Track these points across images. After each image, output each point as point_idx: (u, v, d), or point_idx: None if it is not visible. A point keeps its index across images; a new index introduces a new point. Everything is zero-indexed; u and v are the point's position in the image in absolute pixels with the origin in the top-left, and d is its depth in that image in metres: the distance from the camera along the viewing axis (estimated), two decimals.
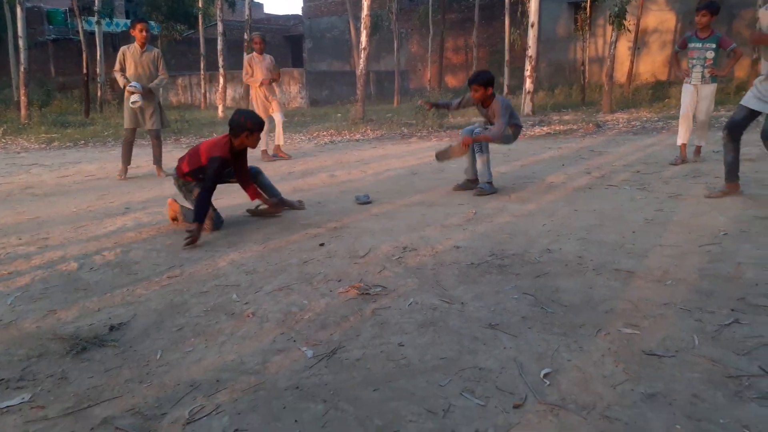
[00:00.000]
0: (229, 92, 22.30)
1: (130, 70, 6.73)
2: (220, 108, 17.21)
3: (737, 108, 4.49)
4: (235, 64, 25.50)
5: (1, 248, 3.84)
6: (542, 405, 1.81)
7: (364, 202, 5.00)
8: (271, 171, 7.18)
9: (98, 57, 20.54)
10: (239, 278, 3.15)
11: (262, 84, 8.12)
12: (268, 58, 8.29)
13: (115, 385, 2.05)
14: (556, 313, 2.50)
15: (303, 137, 11.76)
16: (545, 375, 1.98)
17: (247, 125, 4.11)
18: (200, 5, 21.36)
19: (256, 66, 8.16)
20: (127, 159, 6.95)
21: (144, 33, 6.70)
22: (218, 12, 17.90)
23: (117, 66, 6.76)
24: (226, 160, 4.09)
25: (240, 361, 2.20)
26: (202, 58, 21.98)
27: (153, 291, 2.99)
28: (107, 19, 23.00)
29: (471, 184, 5.40)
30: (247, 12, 18.11)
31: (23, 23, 15.85)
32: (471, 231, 3.90)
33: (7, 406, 1.93)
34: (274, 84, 8.30)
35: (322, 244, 3.75)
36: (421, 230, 3.98)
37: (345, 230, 4.10)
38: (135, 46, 6.76)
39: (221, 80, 17.72)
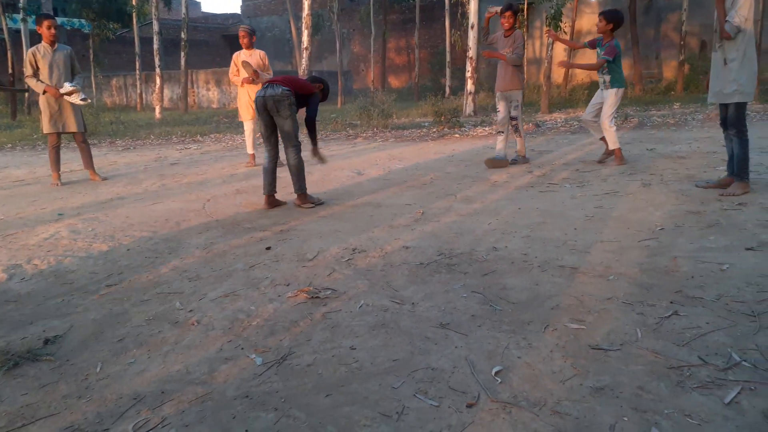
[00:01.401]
0: (167, 93, 21.71)
1: (43, 73, 6.24)
2: (158, 109, 16.71)
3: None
4: (171, 64, 24.87)
5: None
6: (495, 403, 1.82)
7: (314, 203, 4.94)
8: (214, 173, 7.01)
9: (24, 56, 19.59)
10: (182, 285, 3.05)
11: (243, 82, 7.25)
12: (257, 53, 7.38)
13: (51, 402, 1.94)
14: (504, 311, 2.53)
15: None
16: (496, 373, 2.00)
17: (326, 84, 5.08)
18: (134, 3, 20.66)
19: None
20: (56, 165, 6.57)
21: (53, 30, 6.24)
22: (153, 10, 17.37)
23: (28, 70, 6.22)
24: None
25: (186, 371, 2.12)
26: (137, 57, 21.26)
27: (91, 301, 2.85)
28: (33, 17, 21.92)
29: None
30: (183, 10, 17.65)
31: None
32: (419, 231, 3.91)
33: None
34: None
35: (268, 248, 3.68)
36: (369, 231, 3.97)
37: (292, 233, 4.04)
38: (44, 46, 6.27)
39: (158, 80, 17.20)
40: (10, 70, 18.27)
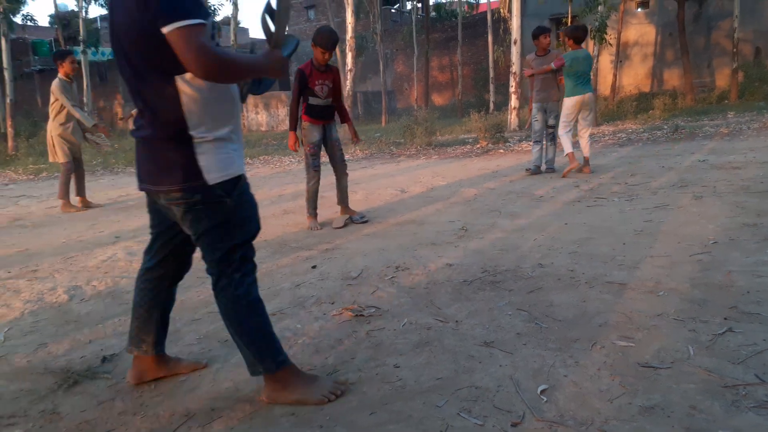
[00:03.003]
0: None
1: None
2: None
3: None
4: None
5: None
6: (540, 422, 1.80)
7: (360, 221, 5.01)
8: (261, 195, 7.19)
9: (84, 86, 20.59)
10: None
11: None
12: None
13: (108, 419, 2.02)
14: (550, 328, 2.50)
15: (292, 159, 11.78)
16: (542, 391, 1.98)
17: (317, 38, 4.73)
18: None
19: None
20: (68, 191, 6.82)
21: (75, 65, 6.60)
22: None
23: (69, 98, 6.47)
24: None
25: (235, 388, 2.18)
26: None
27: None
28: (93, 49, 23.10)
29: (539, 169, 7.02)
30: (232, 37, 18.24)
31: (8, 55, 15.89)
32: (463, 248, 3.90)
33: None
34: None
35: (314, 267, 3.74)
36: (413, 249, 3.99)
37: (337, 251, 4.09)
38: (65, 79, 6.51)
39: None
40: None
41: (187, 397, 2.14)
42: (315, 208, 5.06)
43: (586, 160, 6.84)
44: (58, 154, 6.63)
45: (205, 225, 1.92)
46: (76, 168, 6.83)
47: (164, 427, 1.94)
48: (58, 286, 3.61)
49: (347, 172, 5.20)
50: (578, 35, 6.59)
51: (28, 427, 2.00)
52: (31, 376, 2.40)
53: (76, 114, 6.52)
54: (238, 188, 1.95)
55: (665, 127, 11.94)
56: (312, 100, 4.82)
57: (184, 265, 2.25)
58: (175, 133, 1.82)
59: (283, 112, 23.78)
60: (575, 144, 7.27)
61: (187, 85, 1.78)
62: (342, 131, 6.92)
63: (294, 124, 4.85)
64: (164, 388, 2.22)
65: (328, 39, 4.63)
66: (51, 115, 6.57)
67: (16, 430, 1.98)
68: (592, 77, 7.47)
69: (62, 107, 6.51)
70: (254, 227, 2.07)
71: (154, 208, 2.10)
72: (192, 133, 1.82)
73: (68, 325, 2.98)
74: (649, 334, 2.36)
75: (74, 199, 6.89)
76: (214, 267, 1.99)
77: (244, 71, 1.80)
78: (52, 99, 6.57)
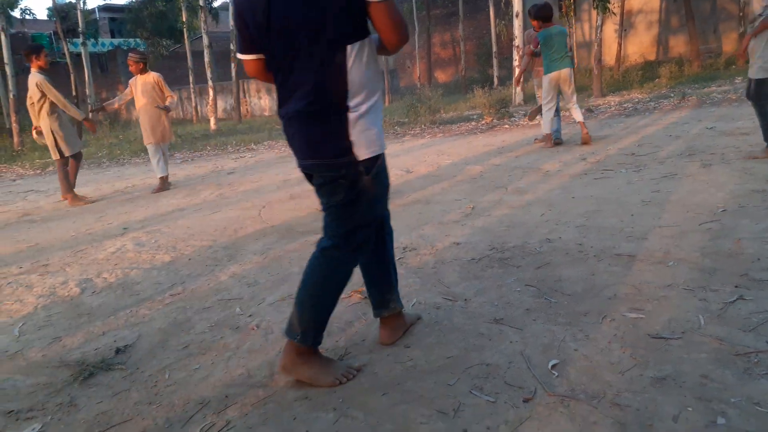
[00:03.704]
0: (220, 104, 22.33)
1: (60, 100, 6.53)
2: (212, 120, 17.21)
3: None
4: (223, 75, 25.56)
5: (2, 278, 3.84)
6: (552, 397, 1.80)
7: None
8: (267, 180, 7.19)
9: (86, 78, 20.57)
10: (241, 291, 3.15)
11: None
12: (152, 76, 7.16)
13: (124, 409, 2.05)
14: (559, 303, 2.49)
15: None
16: (553, 366, 1.98)
17: None
18: (184, 19, 21.35)
19: None
20: (69, 183, 6.82)
21: (48, 58, 6.60)
22: (202, 24, 17.90)
23: (58, 92, 6.46)
24: None
25: (247, 374, 2.20)
26: (190, 71, 21.98)
27: (156, 310, 2.99)
28: (92, 40, 23.02)
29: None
30: (231, 22, 18.10)
31: (8, 50, 15.88)
32: (470, 226, 3.89)
33: None
34: None
35: None
36: (419, 229, 3.98)
37: None
38: (43, 74, 6.48)
39: (211, 93, 17.73)
40: (74, 93, 19.23)
41: (201, 385, 2.16)
42: None
43: (582, 125, 6.86)
44: (64, 148, 6.60)
45: (338, 199, 1.96)
46: (72, 161, 6.79)
47: (179, 415, 1.97)
48: (70, 280, 3.64)
49: None
50: (543, 14, 6.65)
51: (46, 420, 2.03)
52: (47, 370, 2.43)
53: (68, 107, 6.45)
54: (377, 167, 1.96)
55: (672, 95, 11.80)
56: None
57: None
58: (334, 104, 1.86)
59: None
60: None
61: (352, 55, 1.83)
62: None
63: None
64: (177, 377, 2.24)
65: None
66: (39, 113, 6.44)
67: (35, 424, 2.01)
68: (571, 53, 7.59)
69: (50, 102, 6.41)
70: (382, 209, 2.11)
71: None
72: (349, 103, 1.86)
73: (81, 317, 3.01)
74: (659, 305, 2.36)
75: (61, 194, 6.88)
76: (335, 239, 2.02)
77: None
78: (36, 95, 6.40)
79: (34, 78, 6.36)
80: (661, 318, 2.24)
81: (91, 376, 2.32)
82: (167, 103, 7.12)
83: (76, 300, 3.29)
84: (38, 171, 11.25)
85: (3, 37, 16.66)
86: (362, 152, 1.89)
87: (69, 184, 6.75)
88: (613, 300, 2.47)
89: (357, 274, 3.14)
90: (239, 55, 2.06)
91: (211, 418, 1.92)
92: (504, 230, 3.68)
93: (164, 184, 7.23)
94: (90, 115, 6.96)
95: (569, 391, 1.82)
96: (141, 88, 7.07)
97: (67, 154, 6.64)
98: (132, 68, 7.07)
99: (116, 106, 7.29)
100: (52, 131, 6.51)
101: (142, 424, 1.94)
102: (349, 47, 1.82)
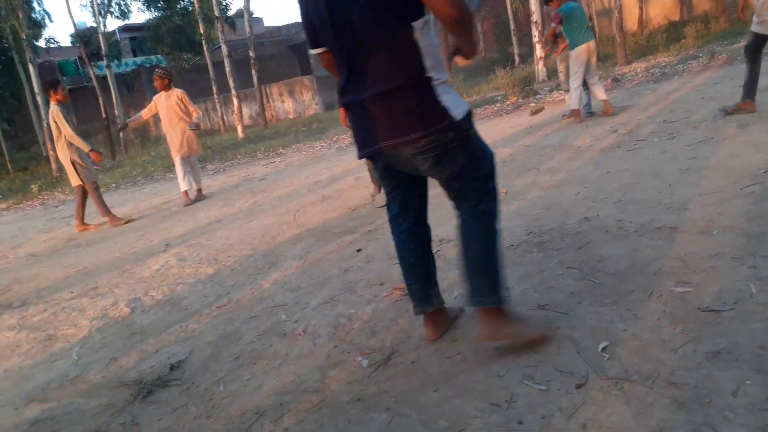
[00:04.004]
0: (245, 111, 22.56)
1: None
2: (239, 128, 17.42)
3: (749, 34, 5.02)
4: (245, 82, 25.82)
5: (56, 304, 3.98)
6: (605, 380, 1.79)
7: None
8: (298, 183, 7.25)
9: (114, 99, 21.04)
10: (285, 297, 3.20)
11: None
12: (175, 93, 7.38)
13: (184, 424, 2.11)
14: (603, 283, 2.46)
15: (323, 143, 11.82)
16: (603, 349, 1.96)
17: None
18: (201, 31, 21.62)
19: None
20: (83, 212, 7.02)
21: (66, 90, 6.76)
22: (220, 35, 18.09)
23: (70, 124, 6.58)
24: None
25: (299, 381, 2.24)
26: (212, 82, 22.26)
27: (205, 323, 3.06)
28: (116, 61, 23.52)
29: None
30: (247, 29, 18.26)
31: (38, 79, 16.32)
32: (504, 211, 3.86)
33: None
34: None
35: (359, 250, 3.77)
36: (453, 219, 3.96)
37: (379, 232, 4.11)
38: (61, 106, 6.64)
39: (235, 101, 17.92)
40: (103, 114, 19.70)
41: (255, 394, 2.21)
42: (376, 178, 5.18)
43: (605, 102, 6.75)
44: (83, 177, 6.79)
45: (460, 161, 2.01)
46: (84, 191, 6.96)
47: (237, 426, 2.02)
48: (119, 300, 3.76)
49: None
50: None
51: None
52: (107, 391, 2.51)
53: (76, 139, 6.60)
54: (472, 120, 2.04)
55: (700, 55, 11.46)
56: None
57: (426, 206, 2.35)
58: (418, 78, 1.92)
59: (307, 97, 23.78)
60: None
61: (419, 31, 1.90)
62: None
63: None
64: (232, 388, 2.30)
65: None
66: (58, 143, 6.70)
67: None
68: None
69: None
70: (491, 154, 2.16)
71: (388, 170, 2.16)
72: (430, 74, 1.92)
73: (134, 337, 3.10)
74: (707, 277, 2.31)
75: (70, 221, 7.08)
76: (473, 196, 2.08)
77: (469, 18, 1.90)
78: (53, 125, 6.64)
79: (51, 111, 6.63)
80: (710, 290, 2.20)
81: (149, 394, 2.39)
82: (194, 119, 7.31)
83: (127, 320, 3.39)
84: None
85: (31, 67, 17.14)
86: (458, 112, 1.95)
87: (104, 206, 6.97)
88: (659, 275, 2.43)
89: (396, 271, 3.16)
90: (311, 51, 2.15)
91: (269, 427, 1.96)
92: (540, 213, 3.65)
93: (199, 195, 7.49)
94: (119, 133, 7.10)
95: (622, 373, 1.81)
96: (166, 104, 7.28)
97: (86, 182, 6.83)
98: (157, 84, 7.30)
99: (138, 122, 7.56)
100: (72, 161, 6.74)
101: None
102: (414, 24, 1.88)
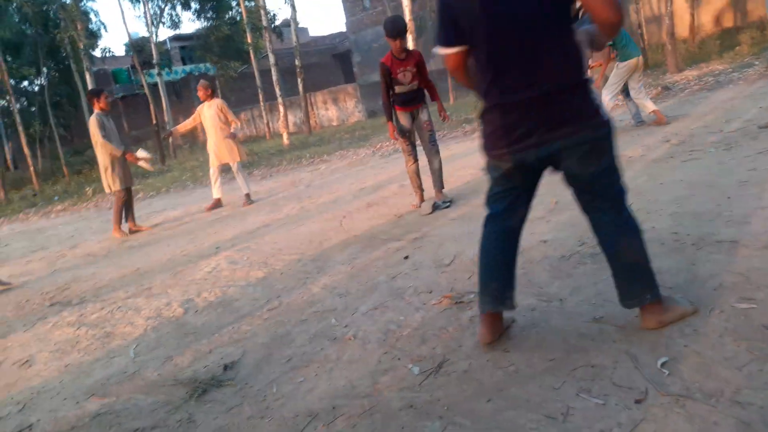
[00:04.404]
0: (290, 118, 22.88)
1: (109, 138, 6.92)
2: (285, 135, 17.69)
3: None
4: (290, 90, 26.22)
5: (113, 303, 4.12)
6: (666, 397, 1.75)
7: (443, 206, 5.00)
8: (343, 190, 7.32)
9: (164, 105, 21.67)
10: (334, 302, 3.23)
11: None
12: (216, 103, 7.77)
13: (239, 424, 2.16)
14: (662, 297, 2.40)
15: (367, 151, 11.90)
16: (663, 364, 1.92)
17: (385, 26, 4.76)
18: (249, 40, 22.10)
19: None
20: (122, 217, 7.20)
21: (109, 99, 7.03)
22: (267, 44, 18.46)
23: (102, 132, 6.78)
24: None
25: (351, 385, 2.26)
26: (259, 90, 22.70)
27: (257, 326, 3.12)
28: (166, 69, 24.24)
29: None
30: (294, 38, 18.57)
31: (95, 87, 16.92)
32: (555, 222, 3.82)
33: None
34: None
35: (406, 257, 3.78)
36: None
37: (426, 239, 4.12)
38: (103, 114, 6.90)
39: (281, 109, 18.22)
40: (153, 121, 20.31)
41: (308, 397, 2.24)
42: (419, 186, 5.28)
43: (656, 112, 6.70)
44: (114, 183, 6.99)
45: (607, 159, 2.10)
46: (126, 196, 7.21)
47: (291, 428, 2.05)
48: (173, 301, 3.86)
49: (439, 154, 5.22)
50: None
51: None
52: (164, 389, 2.59)
53: (107, 146, 6.80)
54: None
55: (756, 63, 11.08)
56: (398, 88, 4.95)
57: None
58: (580, 79, 2.05)
59: (351, 105, 24.01)
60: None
61: (575, 34, 2.03)
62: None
63: (389, 115, 5.05)
64: (285, 390, 2.34)
65: (392, 27, 4.73)
66: (97, 150, 6.97)
67: None
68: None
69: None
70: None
71: (514, 170, 2.19)
72: (586, 77, 2.07)
73: (187, 337, 3.18)
74: None
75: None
76: (616, 202, 2.15)
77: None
78: (92, 134, 6.94)
79: (90, 119, 6.92)
80: None
81: (204, 393, 2.45)
82: (232, 129, 7.67)
83: (181, 320, 3.49)
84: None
85: (87, 76, 17.85)
86: (606, 112, 2.08)
87: (119, 217, 7.18)
88: (720, 290, 2.36)
89: (444, 279, 3.15)
90: (440, 50, 2.19)
91: (322, 430, 1.99)
92: None
93: (248, 200, 7.68)
94: (163, 137, 7.31)
95: (684, 390, 1.76)
96: (208, 113, 7.65)
97: (111, 189, 7.03)
98: (201, 94, 7.69)
99: (185, 129, 8.00)
100: (104, 166, 6.98)
101: None
102: (572, 27, 2.00)
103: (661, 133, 6.29)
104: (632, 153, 5.52)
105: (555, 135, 2.02)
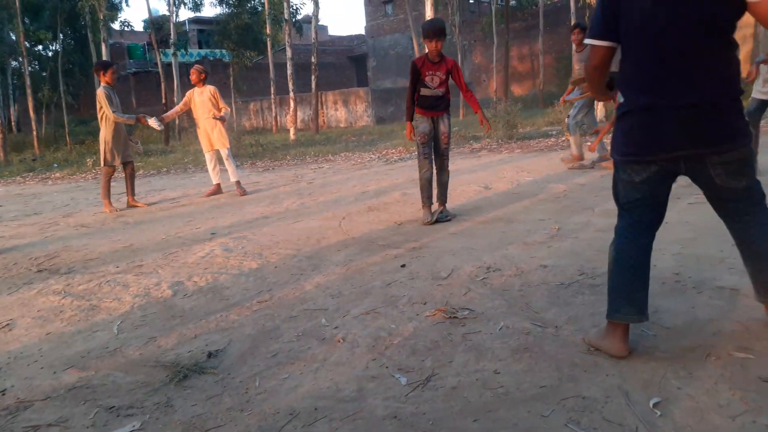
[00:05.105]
0: (299, 114, 22.87)
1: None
2: (292, 131, 17.68)
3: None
4: (302, 87, 26.24)
5: (102, 276, 4.07)
6: None
7: (444, 219, 4.97)
8: (345, 191, 7.29)
9: (175, 87, 21.63)
10: (326, 302, 3.19)
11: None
12: (208, 90, 7.64)
13: (217, 414, 2.11)
14: (658, 336, 2.38)
15: (372, 156, 11.88)
16: (655, 405, 1.88)
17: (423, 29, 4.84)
18: (268, 32, 22.10)
19: None
20: (109, 193, 7.19)
21: (115, 75, 7.02)
22: (287, 38, 18.45)
23: (110, 105, 6.81)
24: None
25: (336, 388, 2.21)
26: (272, 83, 22.69)
27: (245, 316, 3.07)
28: (182, 51, 24.22)
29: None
30: (313, 36, 18.59)
31: (108, 59, 16.88)
32: (556, 248, 3.79)
33: None
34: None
35: (403, 265, 3.75)
36: (503, 249, 3.91)
37: (425, 250, 4.08)
38: (109, 87, 6.93)
39: (292, 104, 18.22)
40: (163, 100, 20.27)
41: (291, 395, 2.19)
42: (429, 197, 5.06)
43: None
44: (105, 157, 7.01)
45: (753, 172, 2.17)
46: (127, 170, 7.24)
47: (270, 424, 2.00)
48: (162, 282, 3.81)
49: (448, 168, 5.15)
50: None
51: (144, 418, 2.12)
52: (145, 369, 2.54)
53: (119, 118, 6.85)
54: None
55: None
56: (423, 91, 4.91)
57: None
58: (736, 94, 2.05)
59: (360, 108, 24.02)
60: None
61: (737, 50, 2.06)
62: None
63: (410, 115, 5.00)
64: (267, 385, 2.29)
65: (429, 26, 4.81)
66: (101, 123, 6.96)
67: (135, 422, 2.10)
68: None
69: (104, 114, 6.87)
70: None
71: (657, 179, 2.18)
72: (738, 94, 2.07)
73: (174, 319, 3.13)
74: None
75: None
76: (762, 203, 2.21)
77: None
78: (98, 106, 6.93)
79: (98, 92, 6.91)
80: None
81: (185, 378, 2.40)
82: (222, 114, 7.56)
83: (169, 302, 3.44)
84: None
85: (104, 47, 17.81)
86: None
87: (108, 192, 7.16)
88: (718, 336, 2.33)
89: (439, 291, 3.11)
90: (590, 41, 2.18)
91: (302, 430, 1.94)
92: (594, 254, 3.56)
93: (239, 188, 7.66)
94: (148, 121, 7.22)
95: None
96: (199, 99, 7.55)
97: (103, 163, 7.05)
98: (194, 78, 7.55)
99: (174, 114, 7.96)
100: (105, 140, 6.98)
101: (235, 430, 1.99)
102: (735, 41, 2.02)
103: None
104: None
105: (710, 148, 2.04)
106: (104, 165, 7.06)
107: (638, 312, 2.21)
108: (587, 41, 2.19)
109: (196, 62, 31.09)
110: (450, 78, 4.91)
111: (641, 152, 2.13)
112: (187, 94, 7.69)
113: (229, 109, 7.79)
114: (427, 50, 4.87)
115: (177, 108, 7.90)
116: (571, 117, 6.90)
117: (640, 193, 2.22)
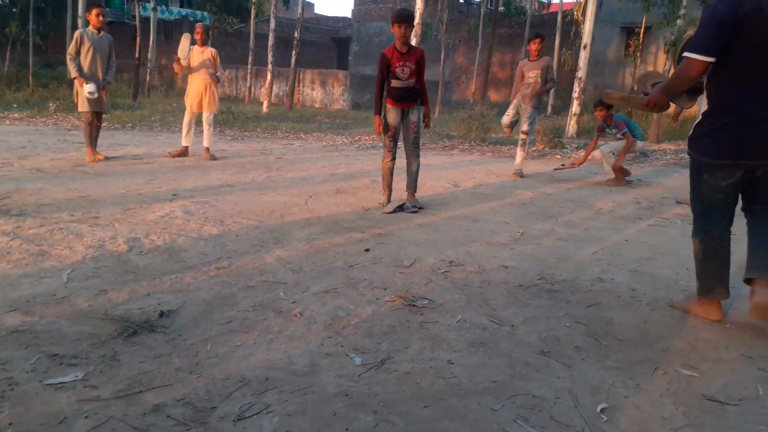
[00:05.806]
0: (274, 89, 22.51)
1: (87, 55, 6.68)
2: (265, 104, 17.37)
3: None
4: (281, 61, 25.83)
5: (55, 223, 3.92)
6: None
7: (411, 210, 4.97)
8: (314, 171, 7.22)
9: (150, 43, 21.01)
10: (286, 276, 3.15)
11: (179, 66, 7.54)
12: (209, 51, 7.61)
13: (165, 373, 2.06)
14: (610, 346, 2.42)
15: (345, 140, 11.79)
16: (602, 410, 1.92)
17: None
18: (254, 0, 21.65)
19: None
20: (91, 141, 6.98)
21: (101, 18, 6.71)
22: (272, 8, 18.10)
23: (72, 49, 6.61)
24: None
25: (288, 360, 2.19)
26: (250, 52, 22.25)
27: (201, 280, 3.01)
28: (162, 8, 23.52)
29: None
30: (300, 10, 18.30)
31: (83, 3, 16.24)
32: (518, 251, 3.83)
33: (61, 383, 1.95)
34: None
35: (367, 250, 3.73)
36: (466, 245, 3.93)
37: (389, 237, 4.07)
38: (92, 31, 6.72)
39: (269, 76, 17.88)
40: (136, 55, 19.65)
41: (242, 362, 2.16)
42: (388, 185, 5.20)
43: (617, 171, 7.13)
44: (79, 104, 6.82)
45: None
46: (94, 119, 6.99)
47: (219, 389, 1.96)
48: (118, 236, 3.70)
49: (419, 157, 5.17)
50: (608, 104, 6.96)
51: (89, 369, 2.05)
52: (92, 320, 2.46)
53: (69, 62, 6.64)
54: None
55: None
56: (394, 83, 4.88)
57: None
58: None
59: (337, 91, 23.81)
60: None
61: None
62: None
63: (379, 109, 4.94)
64: (219, 351, 2.25)
65: (399, 12, 4.79)
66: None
67: (78, 371, 2.03)
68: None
69: (87, 59, 6.67)
70: None
71: (739, 181, 2.57)
72: None
73: (127, 275, 3.04)
74: (716, 367, 2.27)
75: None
76: None
77: None
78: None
79: (76, 32, 6.73)
80: (717, 380, 2.16)
81: (134, 334, 2.34)
82: (218, 74, 7.55)
83: (123, 257, 3.34)
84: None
85: None
86: None
87: (90, 140, 6.97)
88: (667, 353, 2.39)
89: (400, 279, 3.11)
90: (692, 54, 2.42)
91: (251, 398, 1.91)
92: (554, 261, 3.61)
93: (208, 154, 7.56)
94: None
95: None
96: (198, 58, 7.43)
97: (78, 109, 6.88)
98: (198, 37, 7.43)
99: (184, 63, 7.49)
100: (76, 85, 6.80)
101: (182, 391, 1.94)
102: None
103: (632, 193, 6.43)
104: (602, 205, 5.62)
105: None
106: (83, 111, 6.84)
107: (727, 290, 2.70)
108: (692, 56, 2.41)
109: (177, 21, 30.25)
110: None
111: (738, 156, 2.49)
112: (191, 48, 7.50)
113: (224, 74, 7.70)
114: (395, 40, 4.83)
115: (182, 62, 7.45)
116: (606, 149, 7.07)
117: (723, 193, 2.60)
